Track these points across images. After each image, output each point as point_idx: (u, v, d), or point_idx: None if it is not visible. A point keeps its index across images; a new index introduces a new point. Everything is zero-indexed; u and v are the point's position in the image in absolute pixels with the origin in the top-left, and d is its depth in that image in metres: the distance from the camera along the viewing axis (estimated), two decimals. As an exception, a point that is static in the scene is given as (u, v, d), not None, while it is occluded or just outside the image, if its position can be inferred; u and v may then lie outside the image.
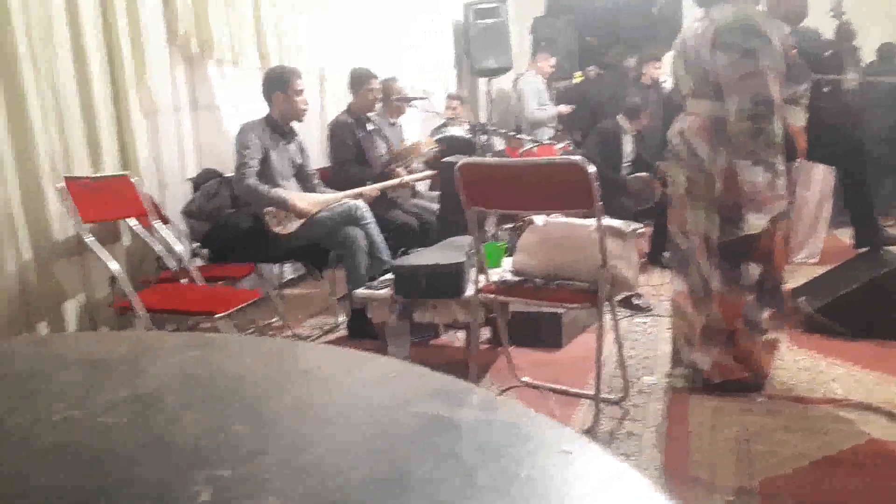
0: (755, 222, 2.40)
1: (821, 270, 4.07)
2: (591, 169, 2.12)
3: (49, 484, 0.57)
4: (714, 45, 2.44)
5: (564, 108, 6.71)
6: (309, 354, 0.91)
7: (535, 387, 2.72)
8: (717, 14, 2.49)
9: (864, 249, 4.37)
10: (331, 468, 0.59)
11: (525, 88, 6.74)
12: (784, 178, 2.40)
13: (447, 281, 2.60)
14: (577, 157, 2.17)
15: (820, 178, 4.80)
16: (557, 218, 2.57)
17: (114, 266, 2.43)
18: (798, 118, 2.60)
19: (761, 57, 2.37)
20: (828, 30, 4.33)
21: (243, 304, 2.45)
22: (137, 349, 0.92)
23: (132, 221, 2.82)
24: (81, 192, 2.53)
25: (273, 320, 3.55)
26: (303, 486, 0.55)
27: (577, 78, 7.42)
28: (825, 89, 3.90)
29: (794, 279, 3.99)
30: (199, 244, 3.26)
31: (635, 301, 3.77)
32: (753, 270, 2.52)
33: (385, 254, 3.38)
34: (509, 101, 8.72)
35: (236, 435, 0.65)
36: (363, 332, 3.23)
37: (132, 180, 2.86)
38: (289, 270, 4.17)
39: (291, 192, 3.32)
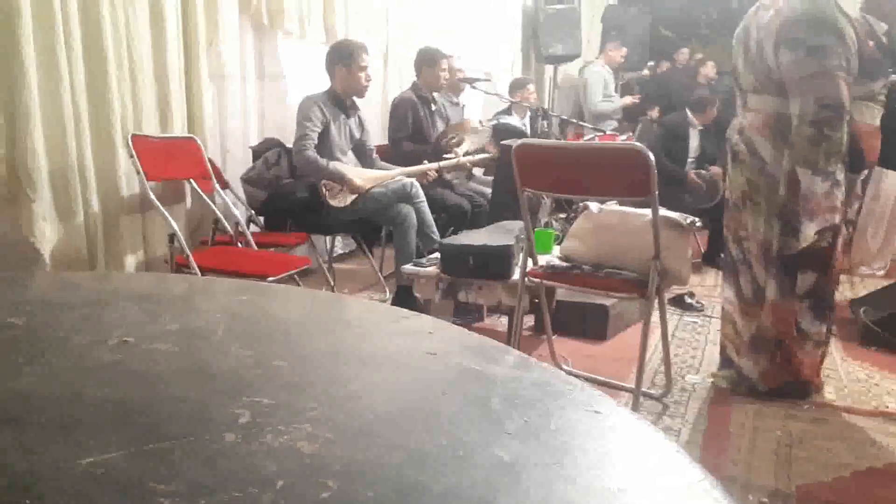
0: (807, 232, 2.29)
1: (886, 283, 3.92)
2: (650, 156, 2.09)
3: (101, 396, 0.60)
4: (779, 40, 2.27)
5: (629, 100, 6.60)
6: (353, 307, 0.94)
7: (576, 376, 2.70)
8: (786, 4, 2.30)
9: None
10: (363, 404, 0.61)
11: (591, 79, 6.62)
12: (842, 189, 2.25)
13: (494, 263, 2.61)
14: (636, 143, 2.14)
15: (891, 188, 4.61)
16: (613, 206, 2.54)
17: (174, 224, 2.52)
18: (873, 116, 2.42)
19: (830, 56, 2.19)
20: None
21: (295, 270, 2.51)
22: (192, 290, 0.96)
23: (194, 183, 2.91)
24: (148, 150, 2.63)
25: (322, 291, 3.62)
26: (336, 417, 0.58)
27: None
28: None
29: (857, 290, 3.86)
30: (254, 212, 3.34)
31: (688, 300, 3.71)
32: (809, 279, 2.42)
33: (435, 233, 3.40)
34: (576, 90, 8.64)
35: (277, 368, 0.68)
36: (408, 308, 3.26)
37: (198, 142, 2.94)
38: (340, 245, 4.23)
39: (349, 167, 3.37)
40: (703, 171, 4.73)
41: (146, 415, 0.57)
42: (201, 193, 2.88)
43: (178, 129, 3.12)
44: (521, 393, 0.65)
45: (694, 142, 4.87)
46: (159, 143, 2.75)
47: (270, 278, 2.38)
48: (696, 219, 2.50)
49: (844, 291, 3.95)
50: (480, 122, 4.07)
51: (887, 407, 2.53)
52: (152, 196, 2.60)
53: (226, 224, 2.91)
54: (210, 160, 3.19)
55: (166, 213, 2.60)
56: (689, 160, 4.83)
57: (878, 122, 2.44)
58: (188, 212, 3.15)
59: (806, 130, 2.23)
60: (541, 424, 0.58)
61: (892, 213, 4.58)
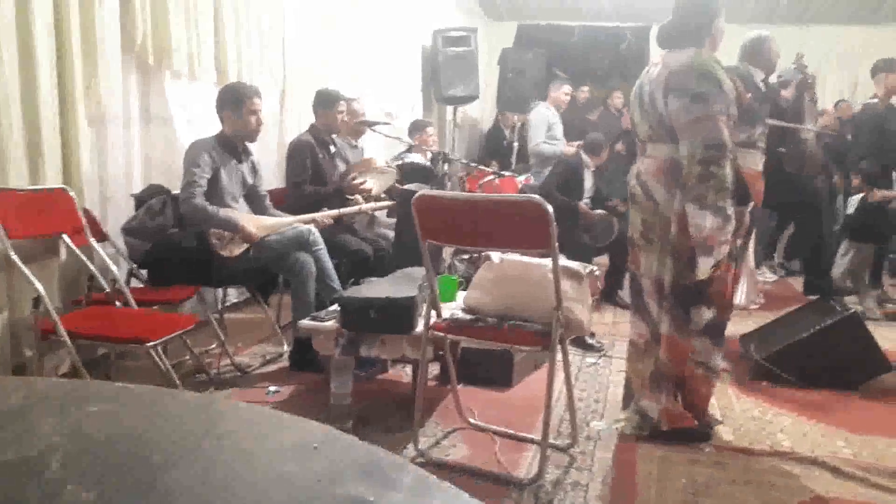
0: (704, 267, 2.39)
1: (770, 317, 4.11)
2: (550, 209, 2.08)
3: None
4: (667, 90, 2.45)
5: (569, 149, 6.03)
6: (227, 416, 0.82)
7: (483, 429, 2.63)
8: (671, 59, 2.51)
9: (812, 297, 4.46)
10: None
11: (534, 120, 6.29)
12: (732, 222, 2.38)
13: (397, 316, 2.51)
14: (536, 196, 2.12)
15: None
16: (514, 256, 2.52)
17: (38, 286, 2.26)
18: (755, 162, 2.60)
19: (712, 101, 2.37)
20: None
21: (178, 332, 2.32)
22: (26, 400, 0.81)
23: (67, 238, 2.65)
24: (11, 204, 2.38)
25: (212, 347, 3.40)
26: None
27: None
28: (784, 138, 3.99)
29: (744, 325, 4.02)
30: (137, 265, 3.10)
31: (588, 340, 3.74)
32: (705, 314, 2.52)
33: (335, 282, 3.28)
34: (478, 130, 8.70)
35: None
36: (306, 363, 3.12)
37: (70, 193, 2.70)
38: (233, 293, 4.01)
39: (241, 214, 3.20)
40: (596, 211, 4.84)
41: None
42: (74, 249, 2.63)
43: (52, 178, 2.86)
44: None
45: (588, 182, 4.99)
46: (25, 197, 2.50)
47: (150, 343, 2.19)
48: (595, 267, 2.52)
49: (730, 326, 4.11)
50: (387, 162, 4.00)
51: (782, 445, 2.60)
52: (14, 256, 2.34)
53: (102, 281, 2.67)
54: (87, 210, 2.95)
55: (29, 274, 2.33)
56: (585, 200, 4.94)
57: (760, 168, 2.59)
58: (62, 268, 2.88)
59: (695, 169, 2.36)
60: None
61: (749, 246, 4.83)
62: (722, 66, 2.51)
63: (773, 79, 4.28)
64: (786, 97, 4.33)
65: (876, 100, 5.04)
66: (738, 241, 2.60)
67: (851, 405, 3.04)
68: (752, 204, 2.56)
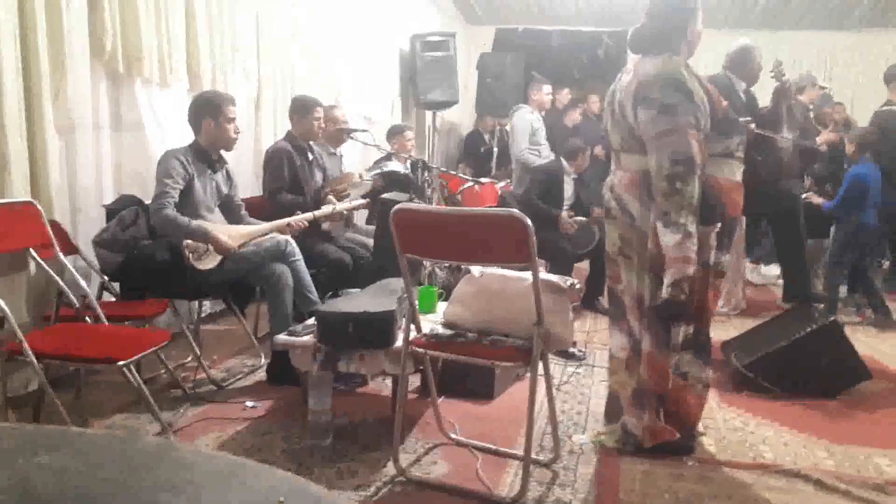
0: (664, 284, 2.30)
1: (750, 323, 4.11)
2: (529, 223, 2.04)
3: None
4: (636, 100, 2.36)
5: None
6: (183, 463, 0.76)
7: (464, 444, 2.59)
8: (641, 67, 2.42)
9: (790, 305, 4.48)
10: None
11: (517, 126, 6.07)
12: (694, 240, 2.27)
13: (376, 330, 2.46)
14: (515, 211, 2.08)
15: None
16: (495, 269, 2.47)
17: (2, 304, 2.16)
18: (733, 172, 2.52)
19: (681, 113, 2.28)
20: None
21: (150, 350, 2.25)
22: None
23: (34, 253, 2.56)
24: (-27, 218, 2.30)
25: (188, 360, 3.32)
26: None
27: None
28: (762, 146, 4.00)
29: (725, 331, 4.02)
30: (108, 278, 3.02)
31: (570, 349, 3.71)
32: (685, 331, 2.46)
33: (313, 294, 3.21)
34: (458, 135, 8.62)
35: None
36: (284, 376, 3.05)
37: (37, 206, 2.61)
38: (208, 304, 3.93)
39: (214, 225, 3.12)
40: (575, 218, 4.81)
41: None
42: (42, 263, 2.54)
43: (19, 190, 2.77)
44: None
45: (569, 189, 4.97)
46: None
47: (121, 363, 2.11)
48: (576, 281, 2.49)
49: (711, 333, 4.11)
50: (360, 175, 3.94)
51: (764, 458, 2.58)
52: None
53: (71, 297, 2.58)
54: (55, 223, 2.86)
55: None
56: (564, 207, 4.92)
57: (738, 177, 2.53)
58: (31, 283, 2.79)
59: (661, 184, 2.29)
60: None
61: (737, 254, 4.82)
62: (695, 74, 2.43)
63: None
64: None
65: (892, 107, 5.08)
66: (726, 255, 2.53)
67: (832, 414, 3.04)
68: (718, 225, 2.43)
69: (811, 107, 6.38)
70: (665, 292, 2.30)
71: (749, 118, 3.99)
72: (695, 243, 2.28)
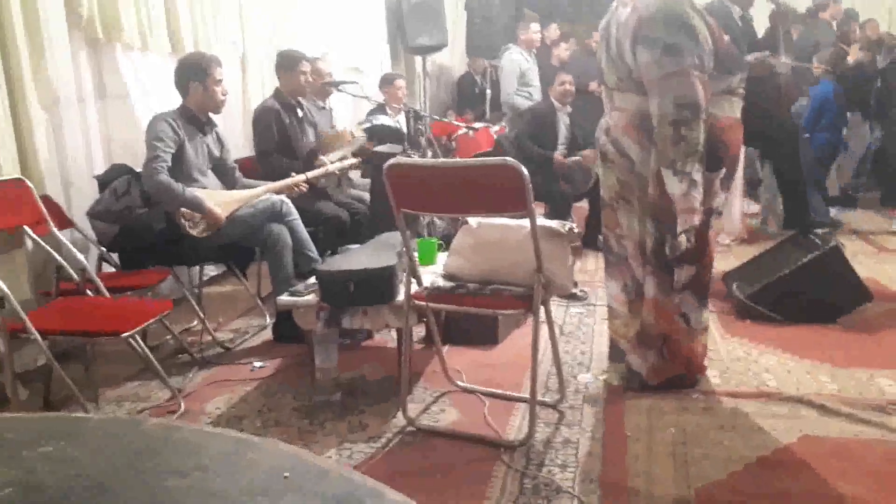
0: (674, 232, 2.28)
1: (751, 252, 4.11)
2: (524, 171, 2.02)
3: None
4: (636, 39, 2.25)
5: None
6: (189, 445, 0.77)
7: (471, 391, 2.63)
8: (641, 1, 2.30)
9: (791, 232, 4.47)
10: None
11: (506, 67, 5.95)
12: (699, 189, 2.24)
13: (377, 286, 2.47)
14: (509, 159, 2.06)
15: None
16: (492, 219, 2.46)
17: (1, 285, 2.16)
18: (733, 110, 2.45)
19: (686, 54, 2.18)
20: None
21: (153, 320, 2.26)
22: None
23: (28, 230, 2.55)
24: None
25: (193, 324, 3.35)
26: None
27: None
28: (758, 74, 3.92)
29: (726, 261, 4.02)
30: (106, 249, 3.02)
31: (572, 290, 3.72)
32: (687, 272, 2.45)
33: (313, 252, 3.22)
34: (449, 78, 8.44)
35: None
36: (289, 335, 3.07)
37: (27, 183, 2.59)
38: (210, 267, 3.94)
39: (207, 193, 3.09)
40: (571, 158, 4.77)
41: None
42: (38, 240, 2.54)
43: (8, 168, 2.75)
44: None
45: (563, 128, 4.90)
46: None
47: (125, 334, 2.13)
48: (574, 224, 2.47)
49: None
50: (351, 133, 3.89)
51: (767, 386, 2.62)
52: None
53: (70, 271, 2.59)
54: (48, 198, 2.85)
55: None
56: (560, 146, 4.86)
57: (738, 114, 2.49)
58: (29, 260, 2.79)
59: (665, 130, 2.23)
60: None
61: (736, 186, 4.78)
62: (696, 7, 2.31)
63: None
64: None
65: None
66: (725, 193, 2.50)
67: (833, 338, 3.07)
68: (723, 171, 2.39)
69: (834, 24, 6.17)
70: (673, 243, 2.29)
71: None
72: (700, 192, 2.25)
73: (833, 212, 5.45)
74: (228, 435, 0.80)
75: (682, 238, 2.27)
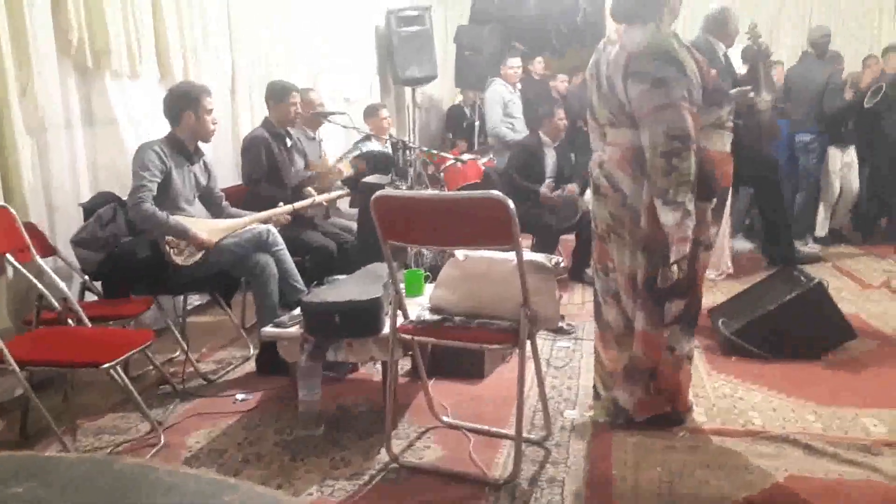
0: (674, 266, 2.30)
1: (737, 287, 4.12)
2: (510, 204, 2.02)
3: None
4: (626, 74, 2.30)
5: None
6: (163, 488, 0.75)
7: (456, 427, 2.60)
8: (629, 39, 2.35)
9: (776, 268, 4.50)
10: None
11: (489, 99, 6.16)
12: (692, 218, 2.26)
13: (363, 318, 2.45)
14: (496, 192, 2.06)
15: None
16: (479, 251, 2.45)
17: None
18: (724, 143, 2.47)
19: (675, 86, 2.23)
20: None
21: (133, 351, 2.23)
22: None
23: (11, 258, 2.52)
24: (-55, 228, 2.25)
25: (176, 354, 3.30)
26: None
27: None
28: (740, 110, 3.98)
29: (712, 296, 4.03)
30: (90, 277, 2.98)
31: (558, 323, 3.71)
32: (677, 306, 2.45)
33: (299, 282, 3.19)
34: (438, 110, 8.53)
35: None
36: (273, 367, 3.04)
37: (10, 210, 2.56)
38: (195, 296, 3.89)
39: (192, 220, 3.07)
40: (557, 192, 4.79)
41: None
42: (20, 268, 2.50)
43: (-9, 190, 2.73)
44: None
45: (550, 161, 4.94)
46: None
47: (105, 365, 2.09)
48: (561, 259, 2.47)
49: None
50: (340, 170, 3.92)
51: (753, 424, 2.61)
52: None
53: (52, 300, 2.55)
54: (31, 225, 2.82)
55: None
56: (548, 179, 4.89)
57: (728, 149, 2.51)
58: (10, 288, 2.75)
59: (657, 161, 2.25)
60: None
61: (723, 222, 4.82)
62: (683, 43, 2.37)
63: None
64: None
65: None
66: (716, 226, 2.51)
67: (818, 376, 3.06)
68: (714, 201, 2.42)
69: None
70: (664, 272, 2.29)
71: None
72: (693, 221, 2.27)
73: (817, 248, 5.51)
74: (204, 477, 0.78)
75: (675, 268, 2.28)
